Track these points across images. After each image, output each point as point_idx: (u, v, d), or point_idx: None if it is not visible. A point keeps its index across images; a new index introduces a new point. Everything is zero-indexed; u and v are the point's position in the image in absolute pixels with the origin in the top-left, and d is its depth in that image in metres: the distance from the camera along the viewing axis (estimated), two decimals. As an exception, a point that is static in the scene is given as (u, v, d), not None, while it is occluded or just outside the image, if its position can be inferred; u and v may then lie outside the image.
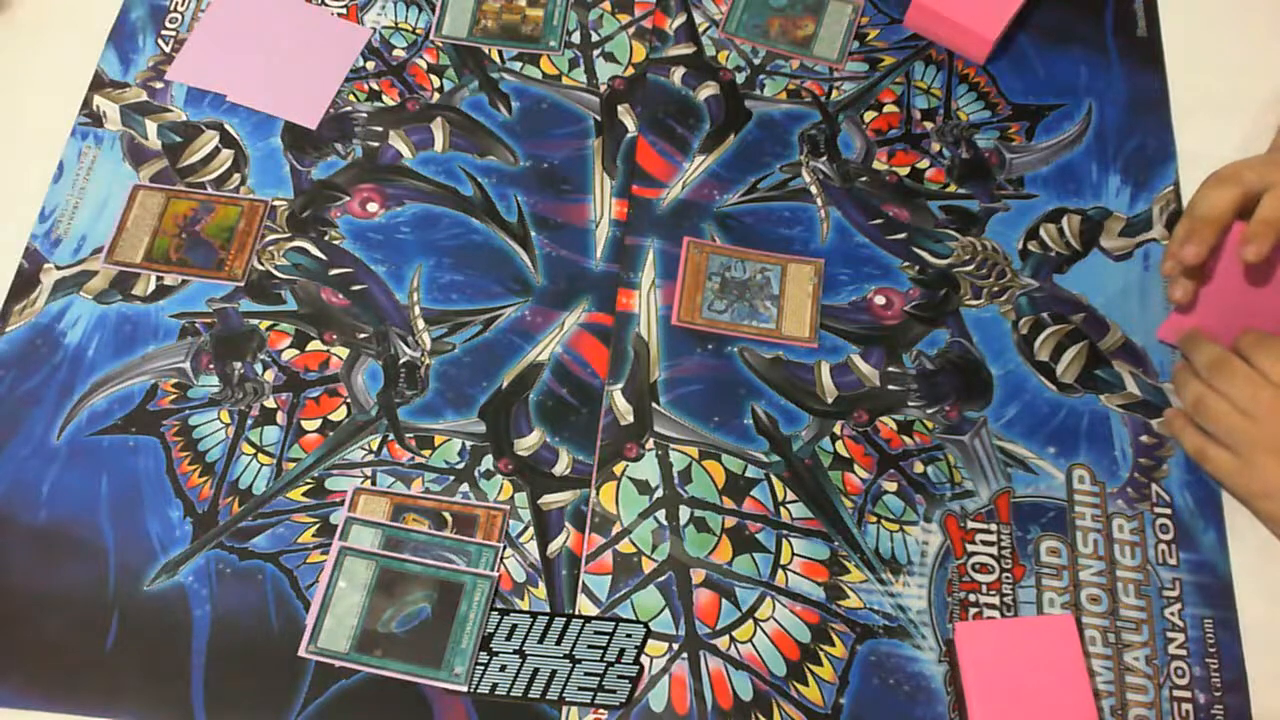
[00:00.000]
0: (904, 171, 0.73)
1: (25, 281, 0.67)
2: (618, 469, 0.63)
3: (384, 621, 0.58)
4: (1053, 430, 0.65)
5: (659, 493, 0.63)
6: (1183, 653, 0.60)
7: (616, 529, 0.62)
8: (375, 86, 0.74)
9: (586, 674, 0.58)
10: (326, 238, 0.69)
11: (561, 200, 0.71)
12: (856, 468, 0.64)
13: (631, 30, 0.78)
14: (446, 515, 0.62)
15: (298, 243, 0.69)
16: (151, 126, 0.72)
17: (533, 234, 0.70)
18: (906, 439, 0.65)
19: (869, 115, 0.75)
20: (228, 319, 0.66)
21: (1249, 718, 0.58)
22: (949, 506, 0.63)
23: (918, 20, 0.78)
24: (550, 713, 0.57)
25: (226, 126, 0.72)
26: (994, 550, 0.62)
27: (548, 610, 0.60)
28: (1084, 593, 0.61)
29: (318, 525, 0.61)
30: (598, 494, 0.63)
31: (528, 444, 0.64)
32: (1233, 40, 0.78)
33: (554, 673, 0.58)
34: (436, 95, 0.74)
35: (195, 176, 0.71)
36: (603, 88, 0.75)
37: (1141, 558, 0.62)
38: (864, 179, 0.73)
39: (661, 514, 0.62)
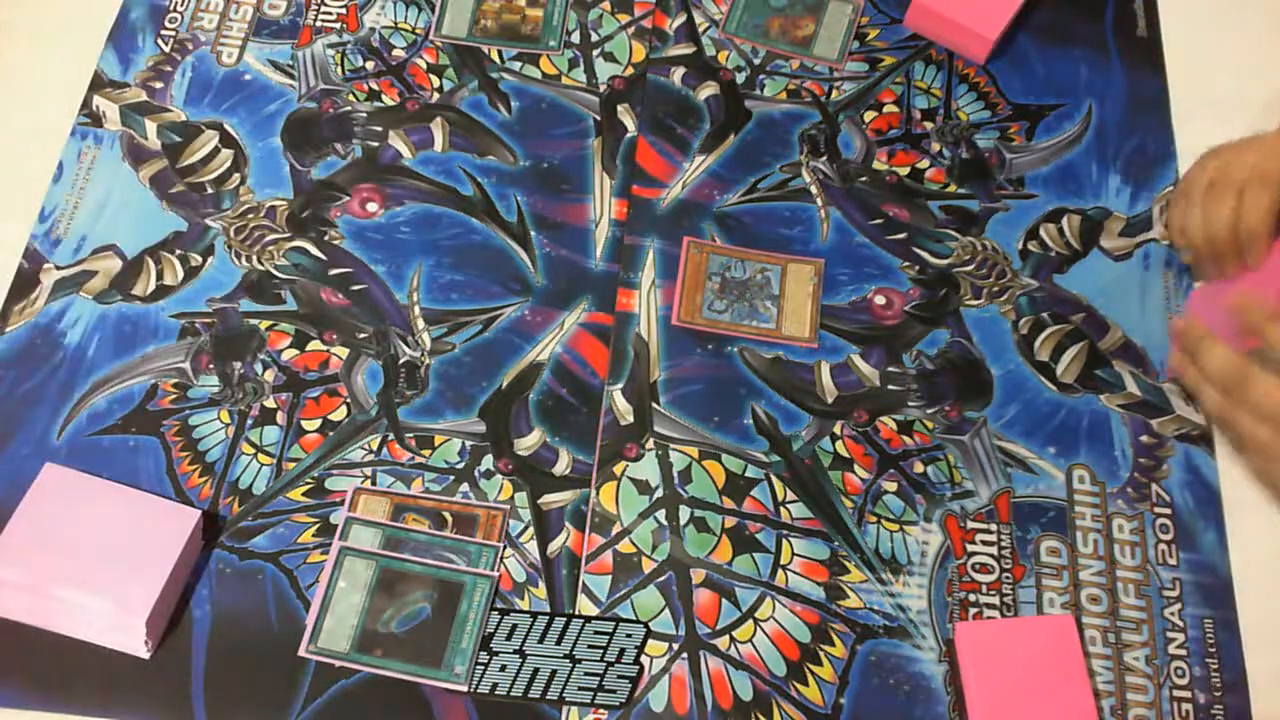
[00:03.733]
0: (904, 171, 0.73)
1: (25, 281, 0.67)
2: (618, 469, 0.63)
3: (384, 621, 0.58)
4: (1053, 430, 0.65)
5: (659, 493, 0.63)
6: (1183, 653, 0.60)
7: (616, 529, 0.62)
8: (375, 86, 0.74)
9: (586, 674, 0.58)
10: (326, 238, 0.69)
11: (561, 200, 0.71)
12: (856, 468, 0.64)
13: (631, 30, 0.78)
14: (446, 515, 0.62)
15: (298, 243, 0.69)
16: (151, 126, 0.72)
17: (532, 234, 0.70)
18: (906, 439, 0.65)
19: (869, 115, 0.75)
20: (228, 319, 0.66)
21: (1249, 718, 0.58)
22: (949, 506, 0.63)
23: (918, 20, 0.78)
24: (550, 713, 0.57)
25: (226, 126, 0.72)
26: (994, 550, 0.62)
27: (548, 610, 0.60)
28: (1084, 593, 0.61)
29: (318, 525, 0.61)
30: (598, 494, 0.63)
31: (528, 444, 0.64)
32: (1233, 40, 0.78)
33: (554, 673, 0.58)
34: (436, 95, 0.74)
35: (195, 177, 0.71)
36: (602, 88, 0.75)
37: (1141, 558, 0.62)
38: (864, 179, 0.73)
39: (661, 514, 0.62)
